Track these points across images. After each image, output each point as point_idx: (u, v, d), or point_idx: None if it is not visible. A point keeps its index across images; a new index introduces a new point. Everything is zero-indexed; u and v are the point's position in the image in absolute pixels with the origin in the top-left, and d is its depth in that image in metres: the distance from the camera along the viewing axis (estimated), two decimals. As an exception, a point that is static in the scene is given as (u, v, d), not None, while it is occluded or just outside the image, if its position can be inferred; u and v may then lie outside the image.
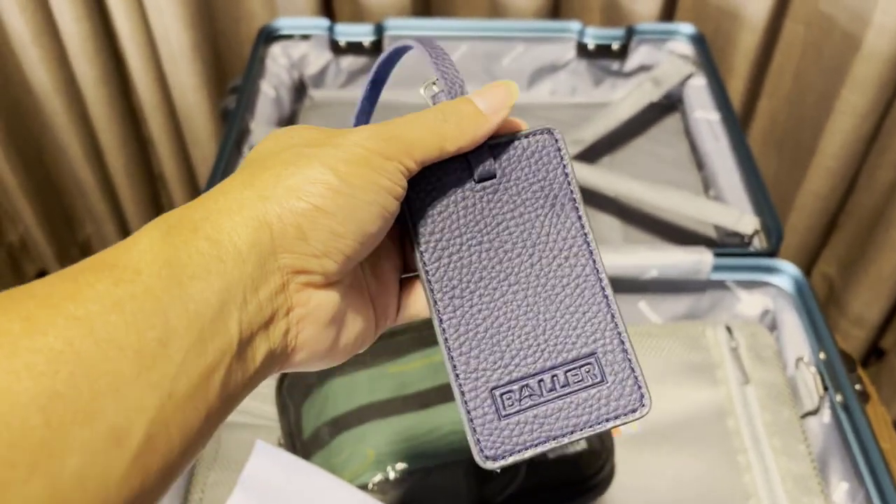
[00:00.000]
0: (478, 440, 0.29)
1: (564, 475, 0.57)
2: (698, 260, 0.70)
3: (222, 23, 1.14)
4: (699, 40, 0.95)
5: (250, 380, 0.25)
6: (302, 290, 0.26)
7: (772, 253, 0.72)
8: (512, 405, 0.29)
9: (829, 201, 1.07)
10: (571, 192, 0.31)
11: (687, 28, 0.95)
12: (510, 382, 0.30)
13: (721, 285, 0.72)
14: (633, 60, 0.96)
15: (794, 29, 1.02)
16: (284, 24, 0.96)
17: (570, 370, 0.30)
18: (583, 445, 0.56)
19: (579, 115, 0.96)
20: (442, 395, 0.57)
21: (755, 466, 0.62)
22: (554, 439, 0.29)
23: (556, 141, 0.31)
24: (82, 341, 0.21)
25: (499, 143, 0.31)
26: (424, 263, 0.30)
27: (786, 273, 0.70)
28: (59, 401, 0.20)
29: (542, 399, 0.30)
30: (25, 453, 0.19)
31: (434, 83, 0.31)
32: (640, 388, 0.30)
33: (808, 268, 1.19)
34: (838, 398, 0.62)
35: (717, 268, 0.71)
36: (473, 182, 0.31)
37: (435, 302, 0.30)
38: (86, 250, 1.35)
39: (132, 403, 0.21)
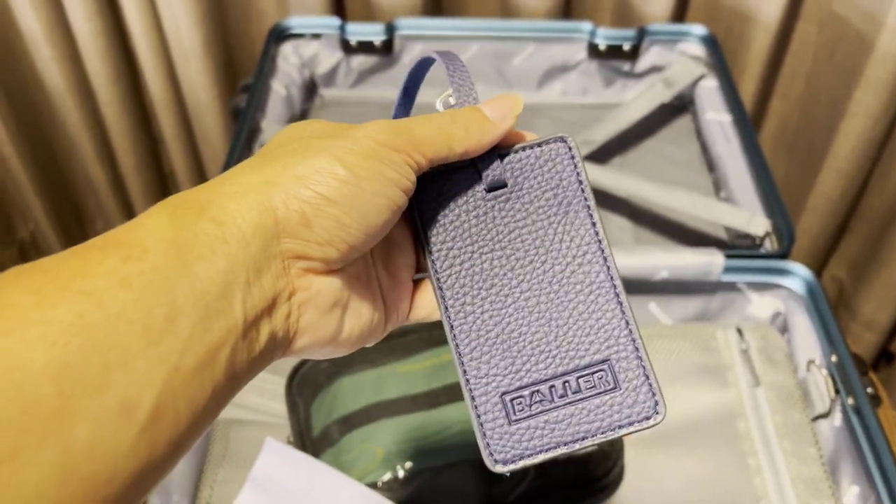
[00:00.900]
0: (487, 444, 0.29)
1: (574, 476, 0.57)
2: (709, 261, 0.70)
3: (233, 21, 1.15)
4: (711, 41, 0.94)
5: (255, 360, 0.26)
6: (303, 276, 0.27)
7: (783, 255, 0.71)
8: (522, 410, 0.30)
9: (841, 204, 1.07)
10: (585, 198, 0.31)
11: (698, 29, 0.95)
12: (521, 388, 0.30)
13: (732, 287, 0.72)
14: (645, 61, 0.96)
15: (806, 30, 1.02)
16: (295, 22, 0.96)
17: (582, 376, 0.30)
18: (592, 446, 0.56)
19: (590, 115, 0.96)
20: (451, 394, 0.57)
21: (766, 469, 0.62)
22: (565, 445, 0.29)
23: (570, 149, 0.31)
24: (92, 315, 0.21)
25: (511, 152, 0.31)
26: (436, 271, 0.31)
27: (797, 275, 0.70)
28: (70, 371, 0.20)
29: (553, 405, 0.30)
30: (38, 420, 0.20)
31: (450, 95, 0.32)
32: (654, 395, 0.29)
33: (818, 270, 1.18)
34: (850, 401, 0.61)
35: (727, 269, 0.71)
36: (485, 191, 0.31)
37: (446, 308, 0.30)
38: (96, 247, 1.35)
39: (140, 376, 0.21)
